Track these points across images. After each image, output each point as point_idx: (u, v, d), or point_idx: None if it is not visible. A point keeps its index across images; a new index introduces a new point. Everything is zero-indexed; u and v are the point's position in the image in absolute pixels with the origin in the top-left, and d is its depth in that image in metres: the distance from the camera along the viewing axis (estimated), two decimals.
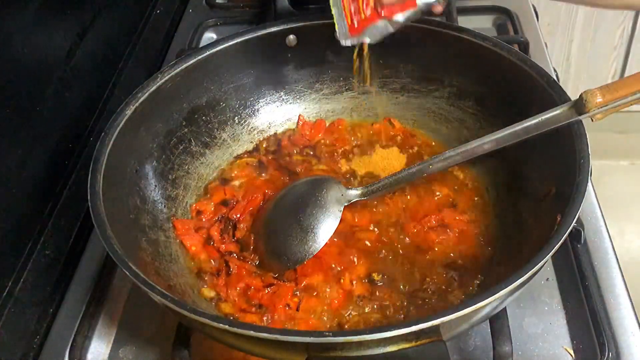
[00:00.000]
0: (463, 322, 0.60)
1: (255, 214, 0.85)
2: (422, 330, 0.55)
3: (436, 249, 0.79)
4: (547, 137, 0.75)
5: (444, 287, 0.75)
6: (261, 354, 0.63)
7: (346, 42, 0.82)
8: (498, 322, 0.68)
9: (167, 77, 0.86)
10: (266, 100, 0.98)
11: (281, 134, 0.98)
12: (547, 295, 0.77)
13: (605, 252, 0.80)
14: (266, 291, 0.76)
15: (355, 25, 0.79)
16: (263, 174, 0.91)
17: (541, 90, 0.78)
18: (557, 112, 0.73)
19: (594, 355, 0.71)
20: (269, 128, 0.98)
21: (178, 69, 0.87)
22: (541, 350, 0.72)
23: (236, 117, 0.96)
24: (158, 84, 0.85)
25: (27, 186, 0.81)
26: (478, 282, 0.75)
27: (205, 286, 0.78)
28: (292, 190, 0.85)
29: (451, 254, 0.79)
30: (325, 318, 0.74)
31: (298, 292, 0.76)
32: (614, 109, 0.72)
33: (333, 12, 0.81)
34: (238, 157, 0.95)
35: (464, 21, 1.17)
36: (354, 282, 0.76)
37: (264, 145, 0.96)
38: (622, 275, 0.78)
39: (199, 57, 0.90)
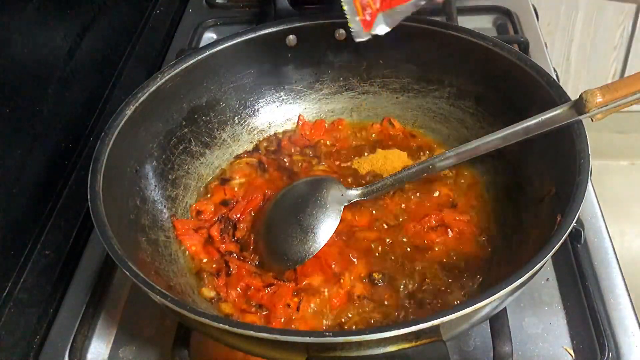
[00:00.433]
0: (463, 322, 0.60)
1: (255, 213, 0.85)
2: (422, 330, 0.55)
3: (436, 249, 0.79)
4: (547, 137, 0.75)
5: (443, 287, 0.75)
6: (261, 354, 0.63)
7: (362, 38, 0.82)
8: (498, 322, 0.68)
9: (167, 77, 0.86)
10: (266, 100, 0.98)
11: (281, 134, 0.98)
12: (547, 295, 0.77)
13: (605, 252, 0.80)
14: (266, 291, 0.76)
15: (368, 19, 0.79)
16: (263, 174, 0.91)
17: (541, 90, 0.78)
18: (557, 112, 0.73)
19: (594, 355, 0.71)
20: (269, 128, 0.98)
21: (178, 69, 0.87)
22: (541, 350, 0.72)
23: (236, 117, 0.96)
24: (158, 84, 0.85)
25: (27, 186, 0.81)
26: (478, 282, 0.75)
27: (205, 286, 0.78)
28: (292, 190, 0.85)
29: (451, 254, 0.79)
30: (325, 318, 0.74)
31: (298, 292, 0.76)
32: (614, 109, 0.72)
33: (345, 9, 0.80)
34: (238, 157, 0.95)
35: (464, 21, 1.17)
36: (354, 282, 0.76)
37: (264, 145, 0.96)
38: (622, 275, 0.78)
39: (199, 57, 0.90)
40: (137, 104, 0.82)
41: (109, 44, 1.08)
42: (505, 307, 0.69)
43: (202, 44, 1.22)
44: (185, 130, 0.90)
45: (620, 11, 2.01)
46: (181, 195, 0.87)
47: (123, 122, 0.80)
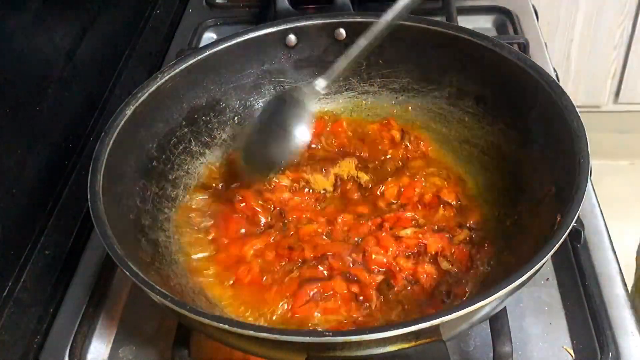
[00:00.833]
0: (463, 322, 0.60)
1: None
2: (421, 330, 0.55)
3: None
4: (547, 137, 0.75)
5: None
6: (261, 354, 0.63)
7: None
8: (498, 322, 0.68)
9: (167, 77, 0.86)
10: (266, 100, 0.98)
11: None
12: (547, 295, 0.77)
13: (605, 252, 0.80)
14: None
15: None
16: None
17: (541, 90, 0.78)
18: None
19: (594, 355, 0.71)
20: None
21: (178, 69, 0.87)
22: (541, 350, 0.72)
23: (236, 117, 0.96)
24: (158, 84, 0.85)
25: (27, 186, 0.81)
26: (477, 282, 0.75)
27: None
28: (266, 107, 0.88)
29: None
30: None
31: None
32: None
33: None
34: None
35: (464, 21, 1.17)
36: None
37: None
38: (622, 275, 0.78)
39: (199, 57, 0.90)
40: (137, 104, 0.82)
41: (109, 44, 1.08)
42: (505, 307, 0.69)
43: (202, 44, 1.22)
44: (185, 130, 0.90)
45: (620, 11, 2.01)
46: (181, 195, 0.87)
47: (123, 122, 0.80)
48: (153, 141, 0.86)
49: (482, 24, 1.23)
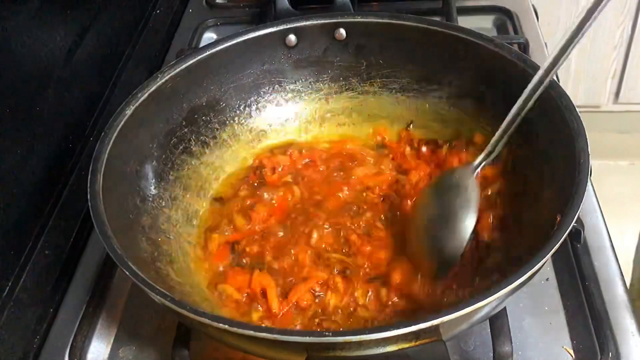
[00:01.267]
0: (463, 322, 0.60)
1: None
2: (421, 330, 0.55)
3: None
4: (547, 137, 0.75)
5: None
6: (261, 354, 0.63)
7: None
8: (498, 322, 0.68)
9: (167, 77, 0.86)
10: (266, 100, 0.98)
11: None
12: (547, 295, 0.77)
13: (605, 252, 0.80)
14: None
15: None
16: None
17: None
18: None
19: (594, 355, 0.71)
20: (269, 128, 0.98)
21: (178, 69, 0.87)
22: (541, 350, 0.72)
23: (236, 117, 0.96)
24: (158, 84, 0.85)
25: (27, 186, 0.82)
26: (477, 282, 0.75)
27: None
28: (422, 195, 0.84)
29: None
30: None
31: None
32: None
33: None
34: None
35: (464, 21, 1.17)
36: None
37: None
38: (622, 275, 0.78)
39: (199, 57, 0.90)
40: (137, 104, 0.82)
41: (109, 44, 1.09)
42: (505, 307, 0.69)
43: (202, 44, 1.22)
44: (185, 130, 0.90)
45: (620, 11, 2.01)
46: (181, 195, 0.87)
47: (123, 122, 0.80)
48: (153, 141, 0.86)
49: (482, 24, 1.23)
